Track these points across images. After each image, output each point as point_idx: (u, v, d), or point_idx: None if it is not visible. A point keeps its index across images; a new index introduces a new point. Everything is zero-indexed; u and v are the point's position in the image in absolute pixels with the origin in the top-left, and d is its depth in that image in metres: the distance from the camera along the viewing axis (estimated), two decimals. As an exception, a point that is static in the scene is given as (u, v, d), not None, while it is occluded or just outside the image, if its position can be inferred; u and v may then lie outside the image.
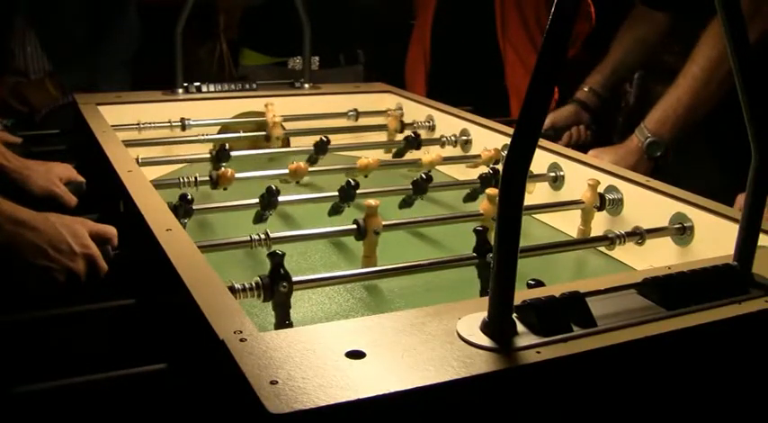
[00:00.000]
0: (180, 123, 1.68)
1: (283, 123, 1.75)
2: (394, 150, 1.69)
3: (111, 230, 1.02)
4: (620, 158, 1.59)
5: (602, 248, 1.26)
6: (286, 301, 0.91)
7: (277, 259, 0.90)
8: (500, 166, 1.37)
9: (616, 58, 1.99)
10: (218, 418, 0.73)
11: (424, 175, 1.35)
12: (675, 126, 1.59)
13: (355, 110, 1.87)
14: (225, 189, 1.36)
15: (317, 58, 2.37)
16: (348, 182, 1.28)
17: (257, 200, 1.23)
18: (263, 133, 1.73)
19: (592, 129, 2.03)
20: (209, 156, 1.50)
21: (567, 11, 0.63)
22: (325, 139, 1.59)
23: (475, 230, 1.05)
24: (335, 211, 1.30)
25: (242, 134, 1.70)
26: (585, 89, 2.01)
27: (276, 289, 0.89)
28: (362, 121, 1.87)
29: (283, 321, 0.91)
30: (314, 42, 1.95)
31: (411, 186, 1.35)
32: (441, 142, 1.69)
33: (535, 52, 2.22)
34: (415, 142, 1.66)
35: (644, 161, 1.60)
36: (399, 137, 1.78)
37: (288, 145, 1.79)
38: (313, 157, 1.59)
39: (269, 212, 1.25)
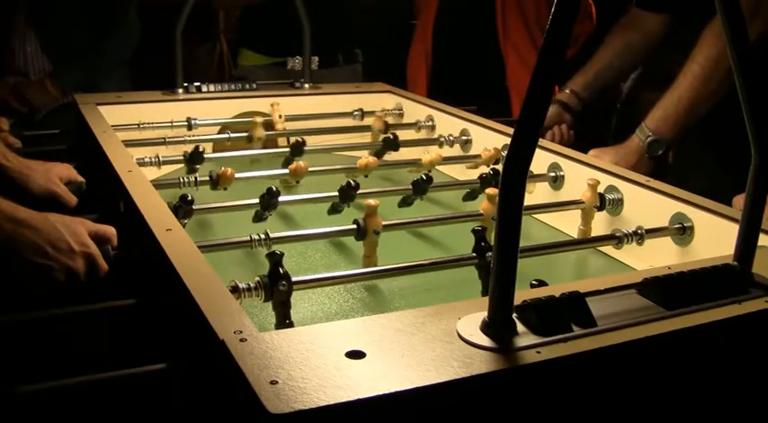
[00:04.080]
0: (186, 123, 1.68)
1: (285, 124, 1.76)
2: (373, 152, 1.68)
3: (110, 230, 1.02)
4: (621, 158, 1.59)
5: (602, 248, 1.26)
6: (286, 301, 0.91)
7: (276, 259, 0.90)
8: (500, 166, 1.38)
9: (602, 61, 1.98)
10: (218, 418, 0.73)
11: (424, 176, 1.35)
12: (676, 125, 1.59)
13: (360, 109, 1.88)
14: (225, 189, 1.36)
15: (316, 57, 2.37)
16: (348, 182, 1.28)
17: (257, 200, 1.23)
18: (246, 134, 1.72)
19: (573, 129, 2.03)
20: (181, 157, 1.50)
21: (566, 11, 0.63)
22: (301, 140, 1.58)
23: (473, 231, 1.05)
24: (335, 210, 1.30)
25: (227, 135, 1.69)
26: (567, 91, 2.01)
27: (276, 288, 0.89)
28: (364, 122, 1.87)
29: (284, 321, 0.91)
30: (313, 42, 1.95)
31: (411, 186, 1.35)
32: (440, 142, 1.69)
33: (536, 52, 2.21)
34: (392, 144, 1.64)
35: (645, 160, 1.60)
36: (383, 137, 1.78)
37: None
38: (289, 158, 1.57)
39: (268, 213, 1.25)
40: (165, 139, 1.61)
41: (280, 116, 1.75)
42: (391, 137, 1.65)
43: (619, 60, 1.98)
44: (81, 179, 1.31)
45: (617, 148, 1.64)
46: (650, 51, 1.94)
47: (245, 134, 1.72)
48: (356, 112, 1.87)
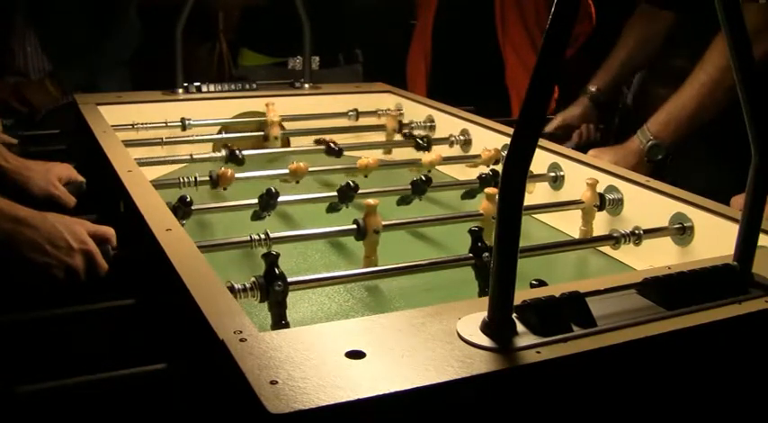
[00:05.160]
0: (180, 123, 1.68)
1: (282, 123, 1.76)
2: (388, 151, 1.65)
3: (109, 231, 1.02)
4: (620, 159, 1.59)
5: (602, 248, 1.26)
6: (282, 302, 0.91)
7: (271, 259, 0.90)
8: (500, 167, 1.37)
9: (621, 57, 1.97)
10: (218, 418, 0.73)
11: (423, 177, 1.35)
12: (678, 130, 1.59)
13: (355, 109, 1.87)
14: (225, 189, 1.36)
15: (316, 58, 2.37)
16: (348, 183, 1.28)
17: (257, 200, 1.23)
18: (262, 133, 1.73)
19: (600, 128, 2.02)
20: (220, 155, 1.52)
21: (567, 11, 0.63)
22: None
23: (470, 231, 1.05)
24: (333, 208, 1.30)
25: (241, 134, 1.70)
26: (593, 89, 1.99)
27: (271, 289, 0.89)
28: (363, 121, 1.87)
29: (279, 321, 0.91)
30: (313, 42, 1.96)
31: (410, 186, 1.35)
32: (441, 142, 1.69)
33: (535, 52, 2.21)
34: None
35: (644, 163, 1.60)
36: (398, 137, 1.78)
37: (288, 145, 1.79)
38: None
39: (267, 213, 1.25)
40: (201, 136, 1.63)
41: (274, 116, 1.75)
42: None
43: (636, 56, 1.96)
44: (81, 179, 1.31)
45: (616, 149, 1.64)
46: (664, 45, 1.93)
47: (260, 133, 1.74)
48: (351, 113, 1.87)
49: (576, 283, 0.82)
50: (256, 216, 1.25)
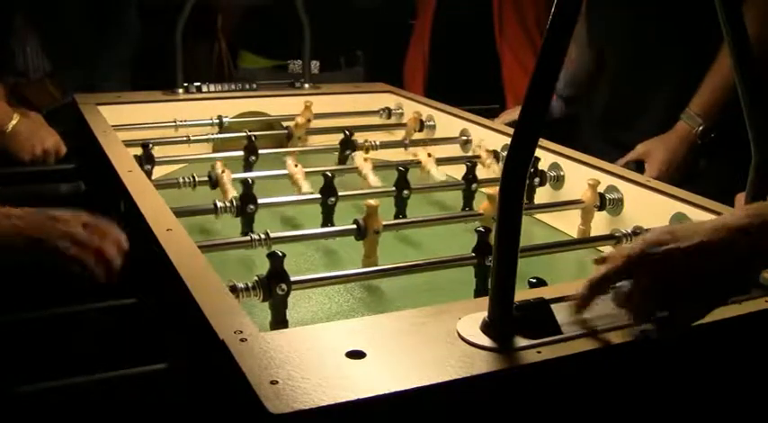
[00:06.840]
0: (218, 121, 1.73)
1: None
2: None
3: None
4: (672, 146, 1.57)
5: (602, 248, 1.26)
6: (283, 302, 0.91)
7: (277, 260, 0.90)
8: (499, 167, 1.37)
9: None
10: (218, 418, 0.73)
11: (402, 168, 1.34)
12: (719, 111, 1.56)
13: (387, 108, 1.89)
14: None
15: (317, 61, 2.37)
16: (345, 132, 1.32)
17: (259, 200, 1.24)
18: (285, 131, 1.75)
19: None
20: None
21: (567, 11, 0.63)
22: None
23: (477, 231, 1.05)
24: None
25: (263, 132, 1.70)
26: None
27: (274, 289, 0.89)
28: (364, 121, 1.87)
29: (279, 321, 0.91)
30: (314, 45, 1.96)
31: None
32: (441, 142, 1.69)
33: (533, 53, 2.21)
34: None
35: (695, 147, 1.58)
36: (417, 135, 1.78)
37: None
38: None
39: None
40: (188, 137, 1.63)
41: (309, 120, 1.76)
42: (348, 133, 1.63)
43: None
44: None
45: (667, 139, 1.59)
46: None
47: (283, 132, 1.75)
48: (382, 111, 1.90)
49: (576, 283, 0.82)
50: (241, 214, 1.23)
